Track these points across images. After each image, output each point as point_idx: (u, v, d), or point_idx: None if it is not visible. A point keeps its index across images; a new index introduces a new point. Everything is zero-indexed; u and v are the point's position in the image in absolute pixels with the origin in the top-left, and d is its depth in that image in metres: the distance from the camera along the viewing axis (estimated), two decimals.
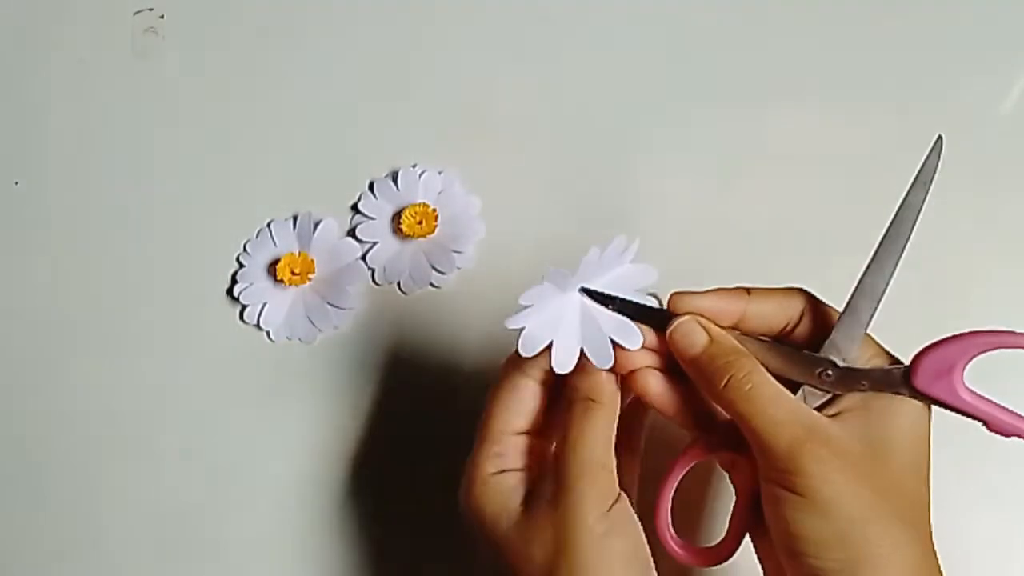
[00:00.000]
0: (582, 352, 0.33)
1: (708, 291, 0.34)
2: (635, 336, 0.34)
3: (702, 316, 0.34)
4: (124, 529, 0.46)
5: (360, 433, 0.46)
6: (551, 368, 0.33)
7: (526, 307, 0.33)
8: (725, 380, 0.32)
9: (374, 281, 0.49)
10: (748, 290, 0.34)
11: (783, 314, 0.34)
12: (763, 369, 0.33)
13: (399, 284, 0.48)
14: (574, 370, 0.33)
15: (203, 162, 0.52)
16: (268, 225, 0.50)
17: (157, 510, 0.46)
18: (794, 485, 0.30)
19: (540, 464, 0.35)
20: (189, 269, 0.50)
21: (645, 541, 0.33)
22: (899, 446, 0.31)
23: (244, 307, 0.49)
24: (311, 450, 0.46)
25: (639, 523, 0.33)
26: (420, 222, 0.48)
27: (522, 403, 0.35)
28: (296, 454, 0.46)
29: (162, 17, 0.56)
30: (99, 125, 0.54)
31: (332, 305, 0.48)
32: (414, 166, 0.50)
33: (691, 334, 0.33)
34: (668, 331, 0.34)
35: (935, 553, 0.31)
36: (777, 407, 0.31)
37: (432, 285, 0.48)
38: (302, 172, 0.51)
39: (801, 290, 0.35)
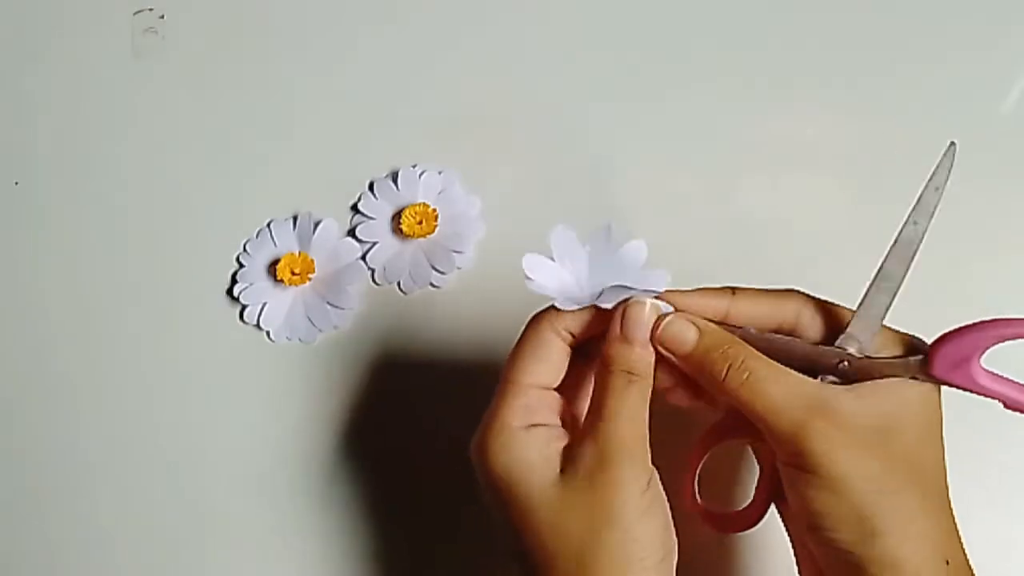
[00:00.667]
0: (619, 316, 0.33)
1: (692, 290, 0.34)
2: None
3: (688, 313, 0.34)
4: (124, 528, 0.46)
5: (360, 433, 0.46)
6: (580, 329, 0.34)
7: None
8: (724, 372, 0.32)
9: (374, 281, 0.49)
10: (733, 290, 0.34)
11: (772, 319, 0.34)
12: (758, 353, 0.32)
13: (399, 284, 0.48)
14: (611, 341, 0.33)
15: (203, 162, 0.52)
16: (268, 225, 0.50)
17: (157, 509, 0.46)
18: (804, 464, 0.30)
19: (569, 424, 0.34)
20: (189, 269, 0.50)
21: (671, 522, 0.33)
22: (910, 420, 0.31)
23: (244, 307, 0.49)
24: (311, 449, 0.46)
25: (667, 500, 0.33)
26: (420, 222, 0.48)
27: (550, 358, 0.34)
28: (296, 453, 0.46)
29: (162, 17, 0.56)
30: (99, 125, 0.54)
31: (332, 305, 0.48)
32: (414, 166, 0.50)
33: (681, 332, 0.33)
34: (657, 331, 0.33)
35: (954, 521, 0.31)
36: (777, 389, 0.31)
37: (432, 285, 0.48)
38: (302, 172, 0.51)
39: (796, 294, 0.34)
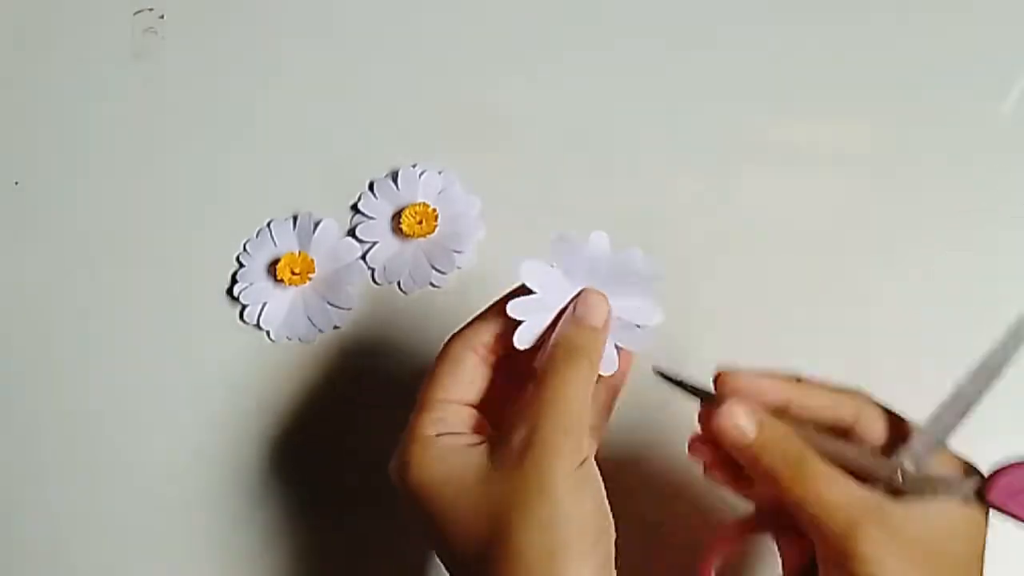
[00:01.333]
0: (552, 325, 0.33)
1: (758, 373, 0.33)
2: (611, 364, 0.34)
3: (747, 397, 0.33)
4: (124, 529, 0.46)
5: (360, 432, 0.46)
6: (498, 345, 0.34)
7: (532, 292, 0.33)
8: (780, 468, 0.31)
9: (374, 281, 0.49)
10: (798, 379, 0.33)
11: (832, 414, 0.33)
12: (814, 452, 0.32)
13: (399, 284, 0.48)
14: (564, 320, 0.33)
15: (203, 162, 0.52)
16: (268, 225, 0.50)
17: (156, 508, 0.46)
18: (852, 568, 0.30)
19: (484, 435, 0.34)
20: (189, 269, 0.50)
21: (608, 506, 0.31)
22: (956, 543, 0.31)
23: (244, 307, 0.49)
24: (311, 449, 0.46)
25: (603, 485, 0.32)
26: (420, 222, 0.48)
27: (463, 374, 0.34)
28: (296, 454, 0.46)
29: (162, 17, 0.56)
30: (99, 125, 0.54)
31: (332, 305, 0.48)
32: (414, 166, 0.50)
33: (742, 424, 0.32)
34: (715, 420, 0.32)
35: None
36: (832, 490, 0.31)
37: (432, 285, 0.48)
38: (302, 172, 0.51)
39: (859, 394, 0.33)
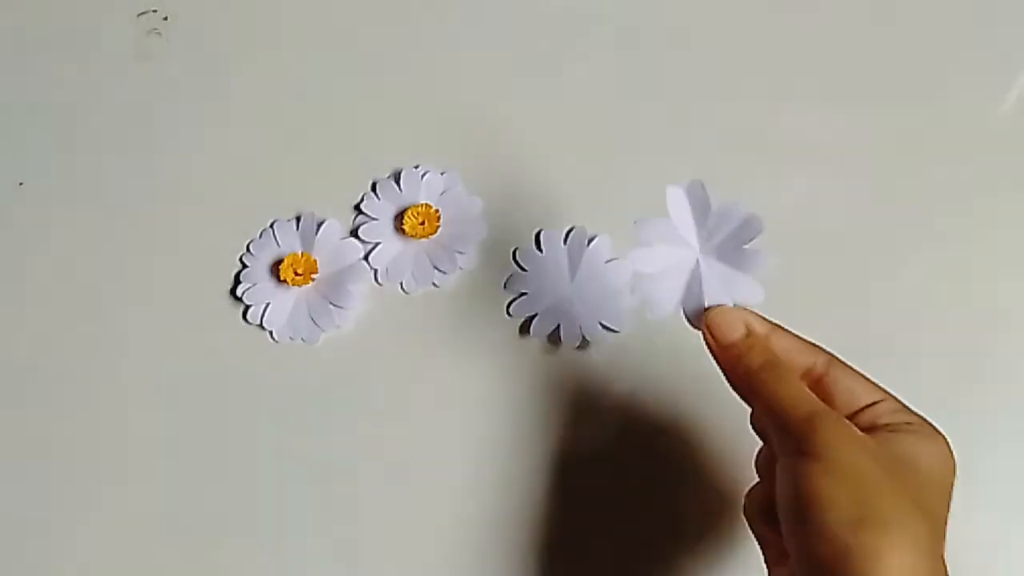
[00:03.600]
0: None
1: (741, 309, 0.35)
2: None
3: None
4: (121, 530, 0.46)
5: (360, 432, 0.46)
6: None
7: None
8: (755, 366, 0.33)
9: (376, 281, 0.49)
10: (831, 358, 0.35)
11: (805, 358, 0.35)
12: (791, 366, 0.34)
13: (401, 284, 0.48)
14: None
15: (206, 163, 0.52)
16: (271, 225, 0.50)
17: (157, 510, 0.47)
18: (810, 449, 0.30)
19: None
20: (192, 269, 0.50)
21: None
22: (922, 464, 0.31)
23: (247, 307, 0.49)
24: (312, 450, 0.46)
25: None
26: (422, 222, 0.48)
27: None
28: (297, 454, 0.47)
29: (166, 19, 0.56)
30: (102, 126, 0.54)
31: (335, 305, 0.48)
32: (416, 167, 0.50)
33: (733, 322, 0.35)
34: (707, 315, 0.35)
35: (943, 557, 0.30)
36: (798, 387, 0.32)
37: (434, 285, 0.48)
38: (305, 173, 0.51)
39: (830, 352, 0.35)
